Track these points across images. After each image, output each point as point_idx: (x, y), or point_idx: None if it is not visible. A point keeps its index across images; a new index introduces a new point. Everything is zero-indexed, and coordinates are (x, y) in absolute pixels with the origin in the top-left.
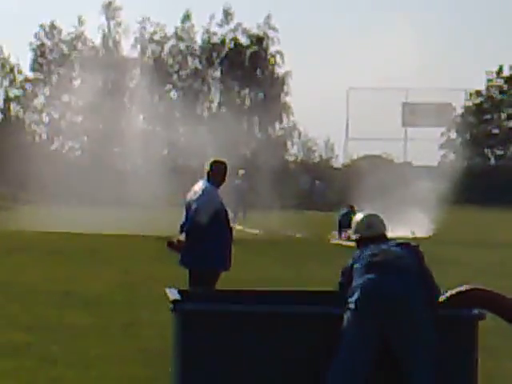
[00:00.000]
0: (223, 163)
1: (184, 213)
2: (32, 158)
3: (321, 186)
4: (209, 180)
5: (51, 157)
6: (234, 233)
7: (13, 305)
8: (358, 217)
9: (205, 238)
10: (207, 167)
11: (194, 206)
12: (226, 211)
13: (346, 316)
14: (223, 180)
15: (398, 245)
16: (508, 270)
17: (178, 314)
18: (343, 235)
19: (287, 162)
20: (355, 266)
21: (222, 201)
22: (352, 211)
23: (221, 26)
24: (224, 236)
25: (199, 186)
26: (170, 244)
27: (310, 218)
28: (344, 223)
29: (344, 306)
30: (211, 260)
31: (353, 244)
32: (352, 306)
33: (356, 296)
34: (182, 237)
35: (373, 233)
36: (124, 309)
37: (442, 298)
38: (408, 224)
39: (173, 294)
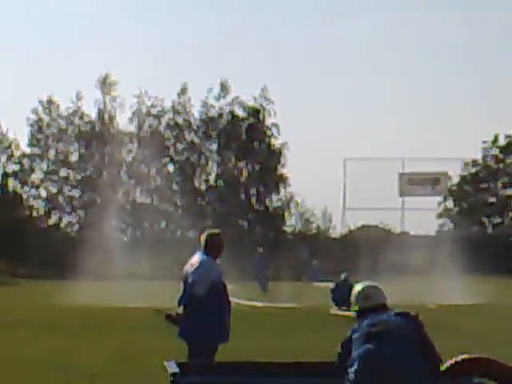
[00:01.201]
0: (219, 235)
1: (182, 285)
2: (30, 232)
3: (317, 266)
4: (206, 252)
5: (49, 231)
6: (231, 305)
7: (13, 379)
8: (357, 288)
9: (202, 310)
10: (203, 239)
11: (190, 279)
12: (223, 283)
13: None
14: (220, 252)
15: (398, 314)
16: (508, 336)
17: None
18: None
19: (285, 233)
20: (354, 336)
21: (221, 273)
22: (345, 284)
23: (218, 99)
24: (222, 308)
25: (196, 258)
26: (169, 317)
27: (308, 288)
28: (336, 296)
29: (344, 376)
30: (209, 333)
31: (352, 314)
32: (352, 376)
33: (355, 366)
34: (180, 310)
35: (372, 303)
36: (124, 381)
37: (443, 367)
38: (406, 293)
39: (171, 367)
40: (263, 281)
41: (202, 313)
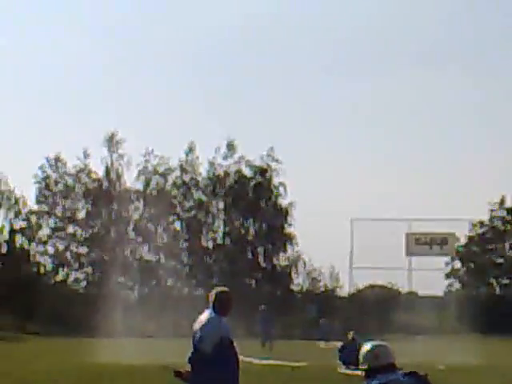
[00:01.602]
0: (228, 293)
1: (191, 343)
2: (37, 288)
3: (325, 324)
4: (214, 309)
5: (56, 288)
6: (240, 362)
7: None
8: (366, 347)
9: (210, 367)
10: (212, 297)
11: (198, 335)
12: (231, 340)
13: None
14: (228, 310)
15: (407, 374)
16: None
17: None
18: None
19: (292, 291)
20: None
21: (229, 330)
22: (353, 343)
23: (225, 158)
24: (230, 365)
25: (205, 315)
26: (178, 374)
27: (317, 346)
28: (344, 355)
29: None
30: None
31: (360, 373)
32: None
33: None
34: (189, 367)
35: (381, 363)
36: None
37: None
38: (415, 353)
39: None
40: (265, 337)
41: (210, 369)
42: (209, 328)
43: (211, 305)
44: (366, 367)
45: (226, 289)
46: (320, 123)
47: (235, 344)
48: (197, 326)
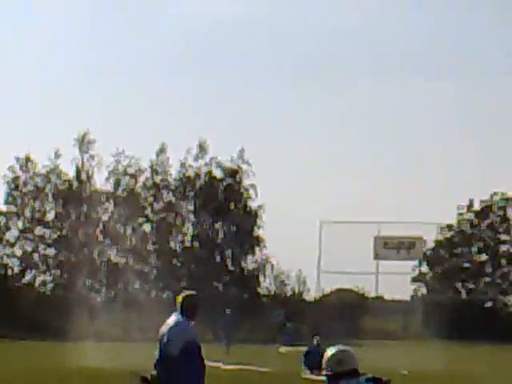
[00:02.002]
0: (196, 297)
1: (158, 347)
2: (3, 291)
3: (292, 328)
4: (182, 313)
5: (23, 290)
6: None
7: None
8: (329, 352)
9: (176, 371)
10: (180, 301)
11: (165, 339)
12: (198, 345)
13: None
14: (196, 313)
15: (369, 380)
16: None
17: None
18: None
19: (260, 295)
20: None
21: (196, 335)
22: (318, 348)
23: (196, 159)
24: (196, 370)
25: (172, 319)
26: (144, 379)
27: (278, 351)
28: (308, 360)
29: None
30: None
31: (323, 379)
32: None
33: None
34: (155, 372)
35: (344, 368)
36: None
37: None
38: (380, 358)
39: None
40: (228, 340)
41: (176, 374)
42: (176, 331)
43: (179, 309)
44: (328, 373)
45: (194, 293)
46: (291, 126)
47: (202, 349)
48: (164, 329)
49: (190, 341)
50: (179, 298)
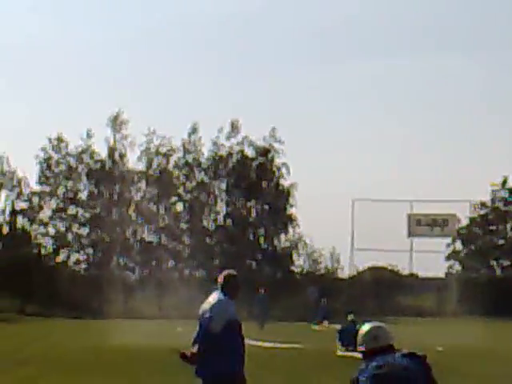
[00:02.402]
0: (236, 276)
1: (198, 324)
2: (38, 270)
3: (324, 306)
4: (223, 292)
5: (57, 269)
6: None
7: None
8: (364, 328)
9: (218, 348)
10: (221, 279)
11: (207, 315)
12: (239, 323)
13: None
14: (237, 293)
15: (405, 356)
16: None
17: None
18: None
19: (293, 273)
20: (361, 378)
21: (236, 313)
22: (352, 325)
23: (228, 138)
24: (237, 348)
25: (213, 297)
26: (183, 356)
27: (313, 329)
28: (343, 337)
29: None
30: (225, 367)
31: (359, 355)
32: None
33: None
34: (195, 348)
35: (379, 344)
36: None
37: None
38: (414, 335)
39: None
40: (263, 318)
41: (218, 351)
42: (218, 309)
43: (220, 287)
44: (364, 349)
45: (234, 272)
46: (322, 105)
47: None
48: (205, 306)
49: (231, 319)
50: (221, 277)
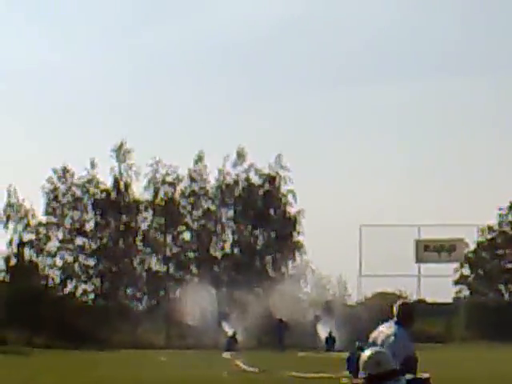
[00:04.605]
0: (411, 305)
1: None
2: (45, 301)
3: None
4: (398, 323)
5: (64, 300)
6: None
7: None
8: (366, 354)
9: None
10: (396, 309)
11: (389, 351)
12: (416, 359)
13: None
14: (412, 322)
15: (410, 382)
16: None
17: None
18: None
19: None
20: None
21: (412, 347)
22: (360, 352)
23: (234, 166)
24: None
25: (389, 328)
26: None
27: (323, 358)
28: (351, 365)
29: None
30: None
31: (361, 382)
32: None
33: None
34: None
35: (382, 369)
36: None
37: None
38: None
39: None
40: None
41: None
42: (398, 346)
43: (395, 317)
44: (367, 375)
45: (408, 301)
46: (328, 131)
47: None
48: (380, 338)
49: (409, 355)
50: (395, 307)
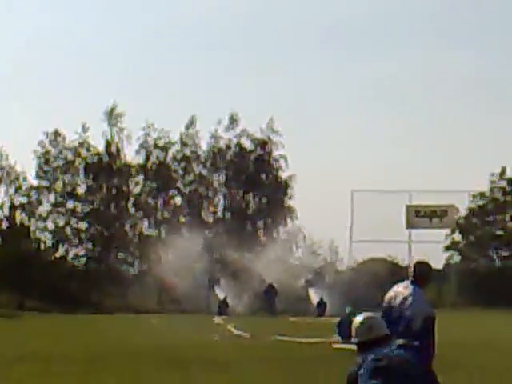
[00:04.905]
0: (428, 264)
1: (384, 312)
2: (37, 265)
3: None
4: (415, 282)
5: (56, 264)
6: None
7: None
8: (358, 319)
9: (417, 346)
10: (412, 269)
11: (408, 313)
12: (434, 318)
13: None
14: (428, 282)
15: (401, 347)
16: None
17: None
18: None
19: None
20: (360, 371)
21: (431, 306)
22: (350, 317)
23: (226, 130)
24: (431, 344)
25: (405, 289)
26: None
27: (314, 323)
28: (341, 330)
29: None
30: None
31: (354, 347)
32: None
33: None
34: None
35: (374, 335)
36: None
37: None
38: None
39: None
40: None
41: (414, 346)
42: (416, 307)
43: (411, 277)
44: (359, 340)
45: (425, 260)
46: (320, 95)
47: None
48: (398, 299)
49: (429, 315)
50: (411, 267)
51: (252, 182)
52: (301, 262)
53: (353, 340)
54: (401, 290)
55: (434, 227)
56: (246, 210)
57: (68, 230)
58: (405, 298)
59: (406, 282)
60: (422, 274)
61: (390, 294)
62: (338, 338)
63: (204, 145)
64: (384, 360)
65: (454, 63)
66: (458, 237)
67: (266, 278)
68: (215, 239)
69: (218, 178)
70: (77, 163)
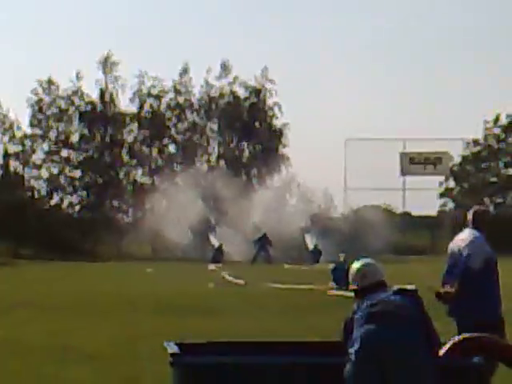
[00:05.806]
0: (485, 210)
1: (448, 261)
2: (31, 213)
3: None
4: (475, 228)
5: (50, 212)
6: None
7: (12, 361)
8: (354, 266)
9: (477, 290)
10: (471, 216)
11: (465, 252)
12: (496, 260)
13: (348, 366)
14: (486, 226)
15: (397, 292)
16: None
17: (177, 367)
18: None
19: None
20: (355, 316)
21: (492, 249)
22: (344, 264)
23: (219, 78)
24: (495, 288)
25: (466, 234)
26: (439, 295)
27: (308, 270)
28: (336, 276)
29: (345, 356)
30: (483, 309)
31: (351, 294)
32: (352, 356)
33: (356, 347)
34: (448, 287)
35: (370, 281)
36: (122, 362)
37: (441, 352)
38: (408, 275)
39: (171, 348)
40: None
41: (477, 293)
42: (475, 246)
43: (471, 223)
44: (355, 287)
45: (483, 207)
46: (314, 43)
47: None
48: (458, 244)
49: (489, 256)
50: (470, 213)
51: (246, 129)
52: (295, 210)
53: (350, 286)
54: (462, 237)
55: (428, 174)
56: (240, 157)
57: (62, 178)
58: (462, 240)
59: (466, 230)
60: (479, 219)
61: (454, 242)
62: (333, 284)
63: (197, 93)
64: (379, 305)
65: (446, 9)
66: (451, 184)
67: (260, 226)
68: (209, 187)
69: (212, 127)
70: (71, 112)
